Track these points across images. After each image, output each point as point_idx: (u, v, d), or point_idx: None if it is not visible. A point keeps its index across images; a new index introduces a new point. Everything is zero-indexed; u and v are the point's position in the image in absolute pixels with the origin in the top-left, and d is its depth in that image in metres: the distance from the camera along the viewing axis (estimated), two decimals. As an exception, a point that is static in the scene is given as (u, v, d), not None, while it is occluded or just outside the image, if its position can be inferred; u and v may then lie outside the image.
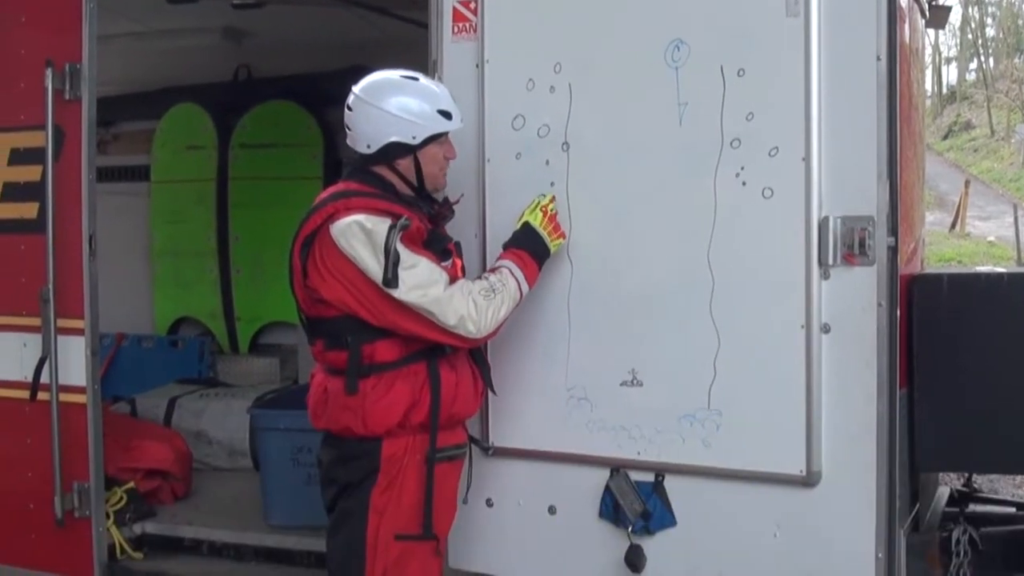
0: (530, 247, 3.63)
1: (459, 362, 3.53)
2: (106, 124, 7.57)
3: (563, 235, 3.71)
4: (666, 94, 3.58)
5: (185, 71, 7.34)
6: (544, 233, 3.65)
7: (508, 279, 3.51)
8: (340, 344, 3.39)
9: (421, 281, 3.30)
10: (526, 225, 3.66)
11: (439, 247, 3.48)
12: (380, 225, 3.28)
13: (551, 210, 3.69)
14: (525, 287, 3.57)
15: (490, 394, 3.78)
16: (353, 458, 3.44)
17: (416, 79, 3.51)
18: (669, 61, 3.57)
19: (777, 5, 3.41)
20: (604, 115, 3.70)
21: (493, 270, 3.57)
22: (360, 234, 3.28)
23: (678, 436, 3.61)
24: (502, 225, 3.81)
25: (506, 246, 3.66)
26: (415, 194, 3.52)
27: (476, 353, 3.63)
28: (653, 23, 3.60)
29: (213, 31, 6.75)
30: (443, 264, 3.44)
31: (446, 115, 3.48)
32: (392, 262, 3.25)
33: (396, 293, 3.28)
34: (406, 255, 3.28)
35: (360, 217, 3.29)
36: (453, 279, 3.42)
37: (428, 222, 3.50)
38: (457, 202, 3.70)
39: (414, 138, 3.43)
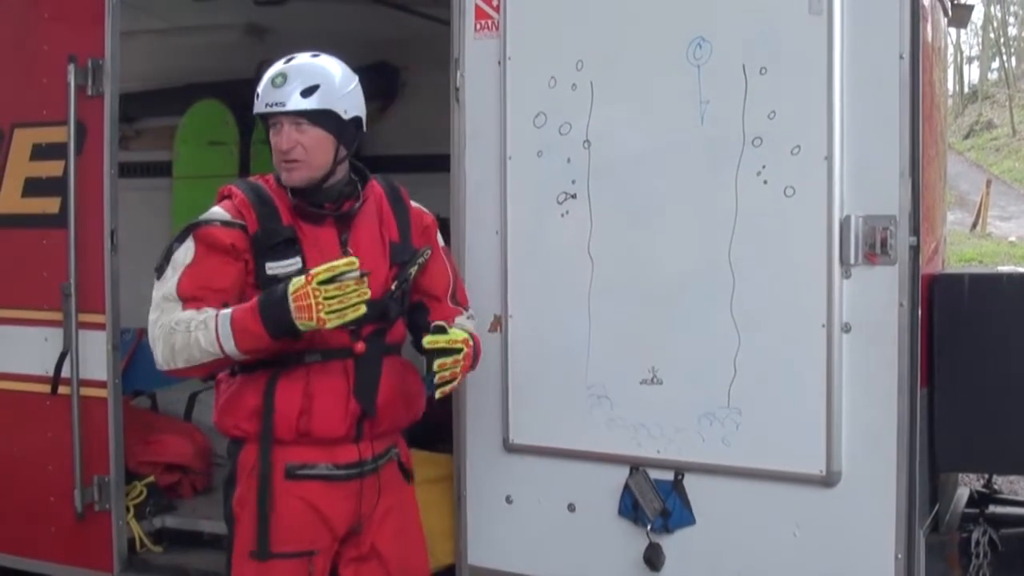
0: (267, 307, 3.01)
1: (322, 377, 3.17)
2: (128, 120, 7.56)
3: (319, 320, 2.93)
4: (688, 92, 3.57)
5: (207, 67, 7.32)
6: (291, 303, 2.95)
7: (209, 325, 3.04)
8: None
9: (164, 288, 3.21)
10: (285, 285, 3.01)
11: (275, 241, 3.16)
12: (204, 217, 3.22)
13: (324, 288, 2.93)
14: (230, 346, 3.02)
15: (510, 389, 3.79)
16: (227, 457, 3.33)
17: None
18: (691, 59, 3.57)
19: (800, 3, 3.40)
20: (625, 113, 3.70)
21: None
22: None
23: (697, 435, 3.61)
24: (522, 222, 3.82)
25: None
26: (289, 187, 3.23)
27: (363, 370, 3.21)
28: (675, 21, 3.60)
29: (235, 27, 6.73)
30: (277, 263, 3.14)
31: (256, 96, 3.21)
32: (165, 255, 3.21)
33: (156, 284, 3.22)
34: (180, 255, 3.19)
35: (215, 209, 3.24)
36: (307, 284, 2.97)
37: (315, 221, 3.23)
38: (355, 204, 3.30)
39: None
